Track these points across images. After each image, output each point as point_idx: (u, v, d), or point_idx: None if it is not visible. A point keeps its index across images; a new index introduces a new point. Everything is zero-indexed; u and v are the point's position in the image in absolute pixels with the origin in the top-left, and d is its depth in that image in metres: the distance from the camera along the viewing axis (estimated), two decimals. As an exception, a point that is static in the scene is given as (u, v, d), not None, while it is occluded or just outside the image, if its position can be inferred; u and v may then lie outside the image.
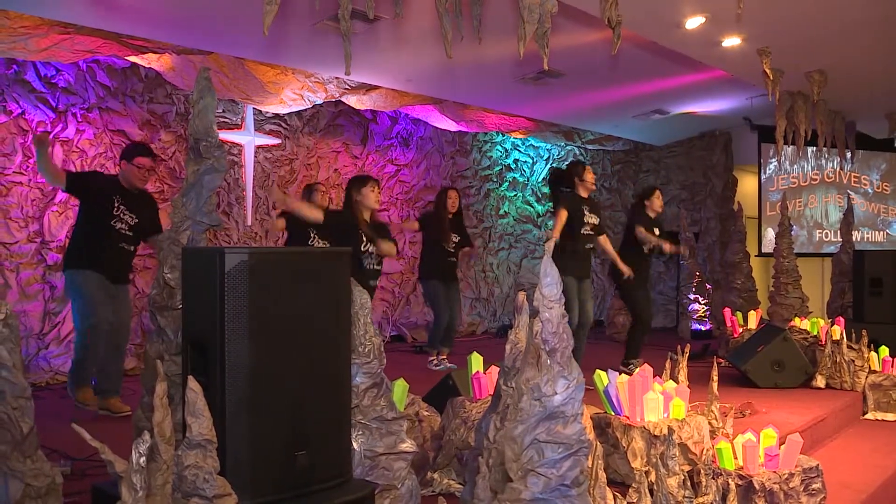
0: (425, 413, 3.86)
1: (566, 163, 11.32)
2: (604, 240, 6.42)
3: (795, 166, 11.10)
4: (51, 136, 6.45)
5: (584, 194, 6.30)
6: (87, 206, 5.10)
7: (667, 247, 6.86)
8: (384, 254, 5.66)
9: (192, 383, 2.20)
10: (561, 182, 6.51)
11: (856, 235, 10.22)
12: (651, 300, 7.11)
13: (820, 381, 6.27)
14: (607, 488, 2.96)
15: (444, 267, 7.06)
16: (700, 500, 3.28)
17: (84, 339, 4.98)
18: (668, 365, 4.58)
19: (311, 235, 6.33)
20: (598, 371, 4.02)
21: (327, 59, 6.86)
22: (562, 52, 6.63)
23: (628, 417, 3.85)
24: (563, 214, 6.06)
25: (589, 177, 6.30)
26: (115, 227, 5.06)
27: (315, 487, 2.52)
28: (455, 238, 7.12)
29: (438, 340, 7.12)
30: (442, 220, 7.03)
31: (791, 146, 9.81)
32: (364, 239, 5.43)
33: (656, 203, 6.98)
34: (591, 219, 6.26)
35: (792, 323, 7.51)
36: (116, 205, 5.06)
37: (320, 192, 6.62)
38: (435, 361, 7.02)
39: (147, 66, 6.70)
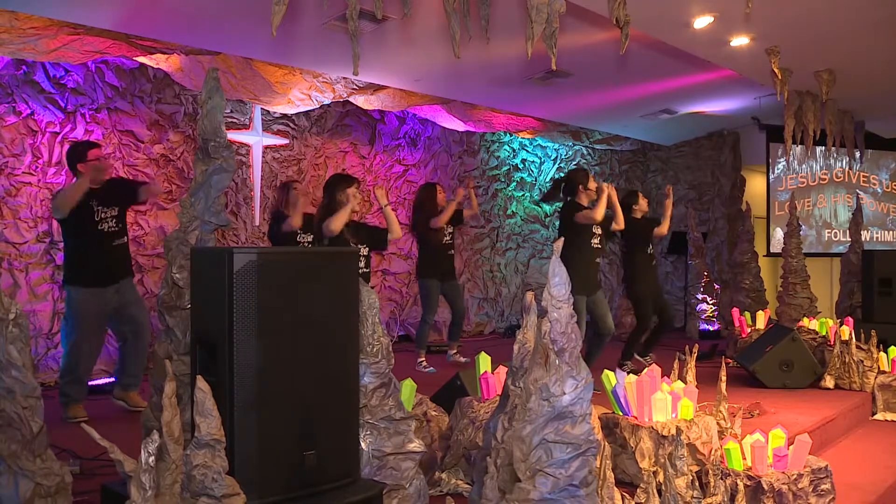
0: (433, 413, 3.86)
1: (573, 163, 11.37)
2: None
3: (804, 166, 11.06)
4: (60, 136, 6.48)
5: (586, 202, 6.19)
6: (71, 224, 5.08)
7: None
8: (394, 234, 5.70)
9: (201, 383, 2.20)
10: (563, 189, 6.33)
11: (865, 235, 10.19)
12: (663, 301, 7.05)
13: (829, 382, 6.25)
14: (615, 489, 2.95)
15: (440, 264, 7.05)
16: (708, 500, 3.27)
17: (68, 358, 5.04)
18: (676, 365, 4.58)
19: (298, 232, 6.25)
20: (606, 371, 4.02)
21: (335, 59, 6.87)
22: (570, 52, 6.62)
23: (636, 417, 3.85)
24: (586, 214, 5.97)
25: (592, 185, 6.18)
26: (104, 230, 5.09)
27: (323, 487, 2.53)
28: (448, 229, 7.11)
29: (426, 340, 7.12)
30: (432, 216, 7.03)
31: (800, 146, 9.79)
32: (350, 242, 5.40)
33: (643, 203, 7.00)
34: (598, 230, 6.14)
35: (800, 323, 7.49)
36: (95, 209, 5.07)
37: (297, 191, 6.48)
38: (424, 363, 7.00)
39: (155, 66, 6.72)
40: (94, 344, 5.16)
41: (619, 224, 6.25)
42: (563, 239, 2.82)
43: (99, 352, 5.29)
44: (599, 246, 6.18)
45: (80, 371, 5.05)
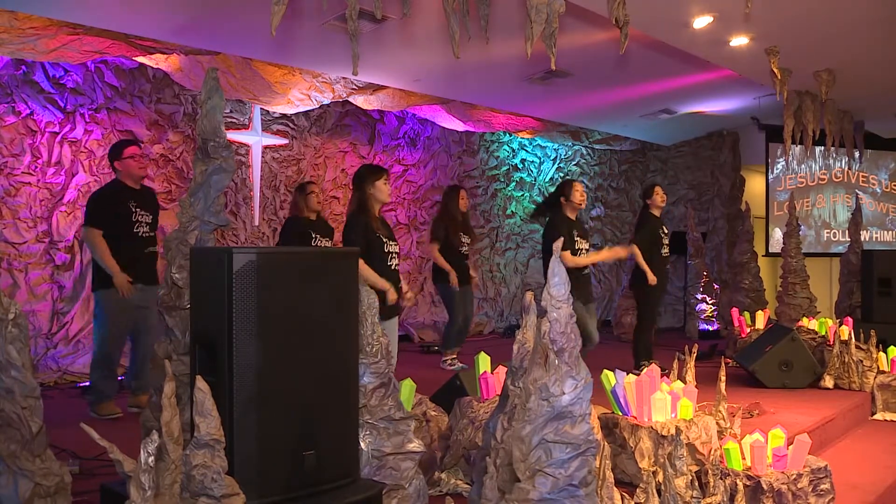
0: (433, 413, 3.86)
1: (573, 164, 11.38)
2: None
3: (803, 166, 11.06)
4: (60, 136, 6.47)
5: (571, 216, 6.15)
6: (109, 227, 5.04)
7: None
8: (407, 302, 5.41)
9: (201, 383, 2.20)
10: (550, 202, 6.31)
11: (864, 235, 10.19)
12: (659, 302, 7.03)
13: (828, 382, 6.25)
14: (615, 488, 2.95)
15: (459, 269, 7.04)
16: (708, 500, 3.27)
17: (103, 354, 5.07)
18: (675, 365, 4.58)
19: (313, 235, 6.23)
20: (605, 371, 4.02)
21: (335, 59, 6.87)
22: (569, 52, 6.62)
23: (636, 417, 3.84)
24: (566, 257, 5.91)
25: (577, 196, 6.10)
26: (139, 234, 5.11)
27: (323, 487, 2.53)
28: (466, 239, 7.10)
29: (454, 341, 7.13)
30: (454, 220, 7.03)
31: (799, 146, 9.79)
32: (385, 240, 5.02)
33: (658, 199, 6.86)
34: (582, 244, 6.11)
35: (800, 323, 7.49)
36: (133, 209, 5.10)
37: (314, 194, 6.37)
38: (449, 361, 7.03)
39: (155, 66, 6.72)
40: (122, 344, 5.19)
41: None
42: (562, 239, 2.83)
43: (121, 352, 5.25)
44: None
45: (114, 368, 5.11)
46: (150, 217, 5.22)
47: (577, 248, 6.06)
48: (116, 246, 5.05)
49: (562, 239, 2.76)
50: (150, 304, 5.10)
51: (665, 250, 6.84)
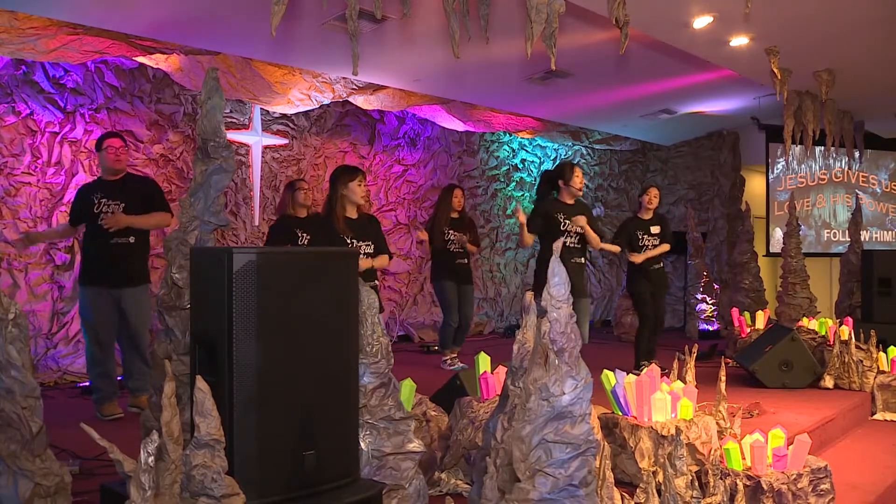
0: (433, 413, 3.86)
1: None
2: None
3: (803, 166, 11.06)
4: (60, 136, 6.47)
5: (568, 200, 5.97)
6: (77, 217, 5.10)
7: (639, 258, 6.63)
8: (379, 267, 5.42)
9: (201, 383, 2.20)
10: (550, 185, 6.13)
11: (864, 235, 10.19)
12: (659, 303, 6.94)
13: (828, 382, 6.25)
14: (615, 489, 2.95)
15: (453, 268, 7.03)
16: (708, 500, 3.27)
17: (90, 354, 5.06)
18: (675, 365, 4.58)
19: (299, 234, 6.19)
20: (605, 371, 4.02)
21: (335, 59, 6.87)
22: (569, 52, 6.62)
23: (636, 417, 3.84)
24: (528, 239, 5.86)
25: (576, 182, 5.93)
26: (100, 226, 4.91)
27: (323, 487, 2.53)
28: (454, 235, 7.06)
29: (450, 341, 7.11)
30: (443, 217, 7.02)
31: (799, 146, 9.80)
32: (351, 242, 4.96)
33: (645, 199, 6.78)
34: (575, 227, 5.85)
35: (800, 323, 7.49)
36: (97, 201, 4.96)
37: (303, 191, 6.37)
38: (448, 361, 7.02)
39: (155, 66, 6.72)
40: (108, 342, 5.09)
41: (594, 245, 6.04)
42: (561, 239, 2.83)
43: (112, 350, 5.17)
44: (578, 246, 5.92)
45: (107, 367, 5.03)
46: (120, 206, 4.96)
47: (565, 230, 5.85)
48: (87, 239, 5.03)
49: (561, 239, 2.76)
50: (128, 307, 4.99)
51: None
